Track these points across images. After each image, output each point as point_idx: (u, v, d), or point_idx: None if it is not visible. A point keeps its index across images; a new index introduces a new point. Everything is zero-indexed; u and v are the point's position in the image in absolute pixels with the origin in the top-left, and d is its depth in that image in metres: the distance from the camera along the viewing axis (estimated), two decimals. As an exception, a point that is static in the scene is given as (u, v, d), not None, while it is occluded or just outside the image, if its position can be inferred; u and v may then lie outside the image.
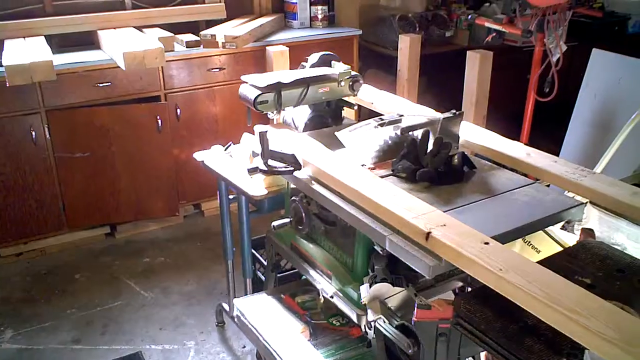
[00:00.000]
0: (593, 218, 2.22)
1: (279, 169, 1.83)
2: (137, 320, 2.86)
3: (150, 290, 3.09)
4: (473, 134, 2.04)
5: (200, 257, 3.39)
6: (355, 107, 2.41)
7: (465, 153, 1.83)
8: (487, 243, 1.32)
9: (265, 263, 2.62)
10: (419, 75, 3.71)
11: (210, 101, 3.65)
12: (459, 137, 2.00)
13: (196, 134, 3.65)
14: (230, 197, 2.44)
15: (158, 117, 3.45)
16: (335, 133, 1.84)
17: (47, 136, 3.27)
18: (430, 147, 1.80)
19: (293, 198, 1.92)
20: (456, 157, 1.76)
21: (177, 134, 3.59)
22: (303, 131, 2.26)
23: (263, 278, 2.62)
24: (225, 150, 2.45)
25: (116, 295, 3.06)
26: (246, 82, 2.25)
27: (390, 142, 1.88)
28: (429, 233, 1.37)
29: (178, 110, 3.56)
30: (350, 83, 2.32)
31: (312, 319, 2.06)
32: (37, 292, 3.12)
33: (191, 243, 3.53)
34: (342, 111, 2.47)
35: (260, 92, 2.14)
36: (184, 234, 3.64)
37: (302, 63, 2.48)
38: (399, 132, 1.88)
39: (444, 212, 1.52)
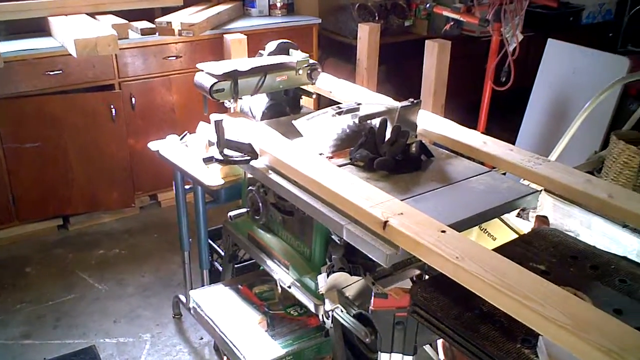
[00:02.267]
0: (547, 205, 2.26)
1: (235, 159, 1.79)
2: (91, 313, 2.78)
3: (104, 282, 3.01)
4: (431, 122, 2.04)
5: (157, 248, 3.32)
6: (314, 96, 2.38)
7: (423, 142, 1.83)
8: (443, 231, 1.32)
9: (223, 253, 2.59)
10: (378, 64, 3.71)
11: (167, 90, 3.57)
12: (416, 126, 2.00)
13: (152, 123, 3.57)
14: (187, 187, 2.38)
15: (112, 106, 3.36)
16: (293, 122, 1.81)
17: (-6, 126, 3.15)
18: (388, 135, 1.79)
19: (250, 188, 1.89)
20: (414, 145, 1.76)
21: (132, 123, 3.50)
22: (260, 120, 2.23)
23: (221, 269, 2.58)
24: (181, 139, 2.39)
25: (69, 288, 2.97)
26: (202, 70, 2.20)
27: (348, 130, 1.86)
28: (386, 222, 1.36)
29: (133, 99, 3.46)
30: (309, 71, 2.29)
31: (270, 310, 2.04)
32: (-15, 287, 3.01)
33: (147, 234, 3.46)
34: (301, 100, 2.44)
35: (216, 80, 2.10)
36: (140, 225, 3.57)
37: (260, 51, 2.44)
38: (357, 121, 1.87)
39: (402, 200, 1.51)
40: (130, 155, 3.53)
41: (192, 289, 2.50)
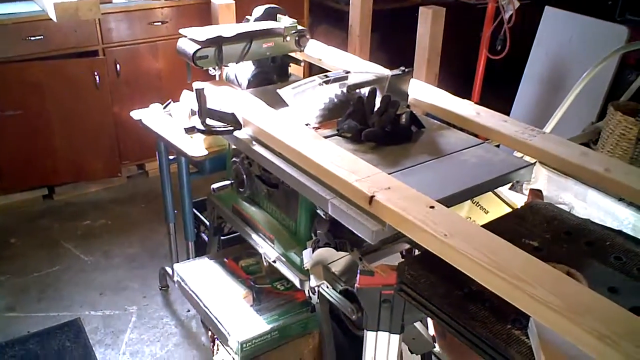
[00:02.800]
0: (542, 178, 2.21)
1: (218, 129, 1.72)
2: (77, 285, 2.74)
3: (90, 254, 2.96)
4: (422, 92, 1.97)
5: (144, 219, 3.26)
6: (302, 64, 2.30)
7: (414, 112, 1.76)
8: (432, 207, 1.26)
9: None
10: (371, 31, 3.61)
11: (153, 56, 3.47)
12: (408, 96, 1.93)
13: (138, 90, 3.47)
14: (171, 157, 2.32)
15: (95, 73, 3.26)
16: (278, 91, 1.74)
17: (-26, 93, 3.06)
18: (378, 106, 1.72)
19: (234, 159, 1.82)
20: (404, 116, 1.69)
21: (117, 90, 3.41)
22: (246, 88, 2.15)
23: (207, 240, 2.53)
24: (165, 108, 2.31)
25: (54, 260, 2.92)
26: (185, 36, 2.11)
27: (336, 100, 1.79)
28: (372, 197, 1.30)
29: (118, 66, 3.36)
30: (297, 38, 2.20)
31: (255, 283, 1.99)
32: (-32, 257, 2.96)
33: (134, 205, 3.40)
34: (289, 68, 2.36)
35: (199, 47, 2.01)
36: (127, 196, 3.50)
37: (247, 17, 2.34)
38: (345, 90, 1.79)
39: (390, 174, 1.45)
40: (116, 123, 3.45)
41: (177, 261, 2.45)
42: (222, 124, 1.74)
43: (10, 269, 2.86)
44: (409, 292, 1.31)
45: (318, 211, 1.53)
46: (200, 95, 1.71)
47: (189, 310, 2.56)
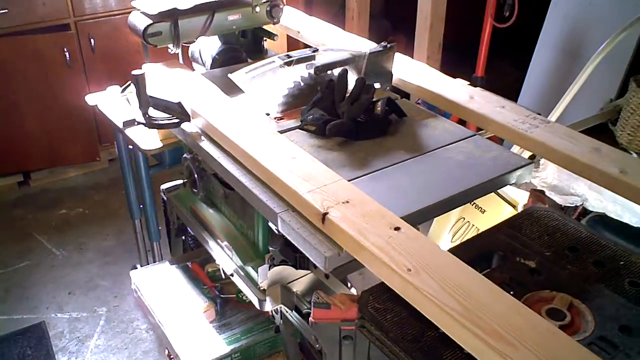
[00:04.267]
0: (551, 165, 1.92)
1: (161, 122, 1.46)
2: (45, 283, 2.54)
3: (63, 247, 2.76)
4: (410, 71, 1.68)
5: (123, 206, 3.03)
6: (276, 38, 2.01)
7: (392, 97, 1.48)
8: (397, 228, 1.00)
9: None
10: (370, -2, 3.30)
11: (129, 30, 3.19)
12: (392, 76, 1.65)
13: (116, 67, 3.20)
14: (131, 147, 2.06)
15: (66, 50, 3.00)
16: (229, 75, 1.47)
17: None
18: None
19: (185, 156, 1.57)
20: (379, 103, 1.42)
21: (93, 68, 3.15)
22: (211, 68, 1.88)
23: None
24: (123, 92, 2.06)
25: (24, 254, 2.72)
26: (137, 9, 1.85)
27: (302, 84, 1.51)
28: (325, 214, 1.04)
29: (92, 41, 3.10)
30: (268, 8, 1.92)
31: (221, 293, 1.76)
32: None
33: (115, 191, 3.17)
34: (264, 43, 2.08)
35: (151, 22, 1.74)
36: (108, 181, 3.28)
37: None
38: (312, 72, 1.52)
39: (355, 179, 1.19)
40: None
41: (147, 263, 2.23)
42: (167, 115, 1.48)
43: (-24, 265, 2.67)
44: (372, 331, 1.07)
45: (270, 225, 1.27)
46: (138, 82, 1.45)
47: (161, 312, 2.35)
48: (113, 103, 2.01)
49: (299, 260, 1.31)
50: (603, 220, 1.83)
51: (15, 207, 3.07)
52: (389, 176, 1.23)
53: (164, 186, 1.57)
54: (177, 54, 1.93)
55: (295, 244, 1.11)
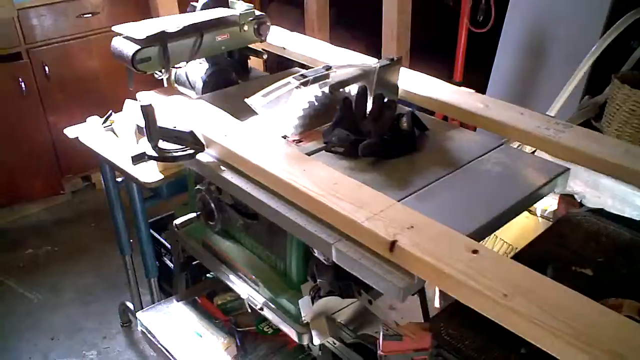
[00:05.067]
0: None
1: (175, 154, 1.37)
2: (23, 331, 2.36)
3: (36, 290, 2.58)
4: (413, 82, 1.65)
5: (95, 240, 2.88)
6: (265, 56, 1.95)
7: (414, 112, 1.44)
8: (475, 251, 0.96)
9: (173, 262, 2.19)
10: (329, 6, 3.26)
11: (86, 55, 3.04)
12: (398, 89, 1.62)
13: (74, 95, 3.05)
14: (119, 179, 1.95)
15: (21, 80, 2.81)
16: (246, 100, 1.39)
17: None
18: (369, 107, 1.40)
19: (198, 187, 1.48)
20: (404, 118, 1.38)
21: (49, 97, 2.97)
22: (202, 93, 1.79)
23: (172, 265, 2.19)
24: (105, 122, 1.94)
25: (-6, 301, 2.53)
26: (120, 34, 1.74)
27: (317, 104, 1.46)
28: (393, 242, 0.99)
29: (46, 69, 2.92)
30: (256, 26, 1.85)
31: (238, 326, 1.68)
32: None
33: (83, 225, 3.00)
34: (248, 61, 2.01)
35: (139, 47, 1.64)
36: (74, 214, 3.10)
37: (192, 3, 1.97)
38: (326, 91, 1.46)
39: (401, 201, 1.14)
40: (52, 134, 3.02)
41: (139, 298, 2.11)
42: (179, 146, 1.39)
43: (-57, 318, 2.46)
44: (450, 359, 1.02)
45: (316, 255, 1.21)
46: (147, 113, 1.35)
47: (158, 350, 2.23)
48: (95, 135, 1.88)
49: (343, 289, 1.25)
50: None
51: (-25, 251, 2.86)
52: (434, 195, 1.19)
53: (177, 221, 1.47)
54: (162, 79, 1.85)
55: (358, 276, 1.05)
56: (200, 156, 1.38)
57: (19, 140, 2.94)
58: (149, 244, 1.89)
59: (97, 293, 2.53)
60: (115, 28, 1.76)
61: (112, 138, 1.86)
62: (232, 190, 1.32)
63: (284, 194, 1.20)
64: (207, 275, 2.15)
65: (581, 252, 1.19)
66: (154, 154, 1.37)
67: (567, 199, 1.44)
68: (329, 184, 1.15)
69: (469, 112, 1.50)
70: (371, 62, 1.61)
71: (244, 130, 1.39)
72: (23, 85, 2.82)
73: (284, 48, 2.01)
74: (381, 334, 1.06)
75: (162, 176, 1.63)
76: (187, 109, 1.53)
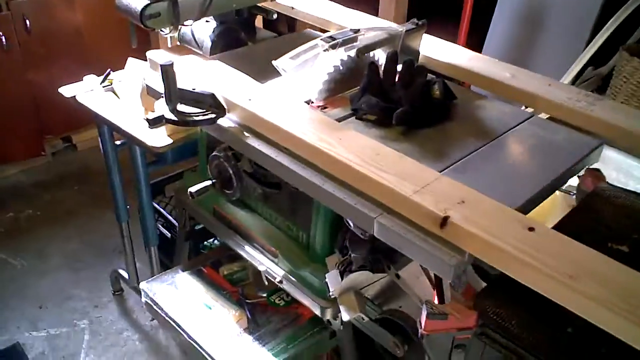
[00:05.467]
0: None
1: (196, 118, 1.29)
2: (8, 299, 2.26)
3: (20, 256, 2.47)
4: (434, 48, 1.59)
5: (79, 204, 2.77)
6: (275, 16, 1.85)
7: (445, 80, 1.39)
8: (531, 229, 0.92)
9: (170, 217, 2.12)
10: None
11: (69, 8, 2.88)
12: (419, 54, 1.56)
13: (56, 50, 2.89)
14: (118, 142, 1.85)
15: (1, 33, 2.65)
16: (273, 62, 1.32)
17: None
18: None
19: (215, 153, 1.40)
20: (436, 86, 1.32)
21: (29, 52, 2.81)
22: (211, 53, 1.70)
23: (167, 234, 2.12)
24: (103, 81, 1.83)
25: (-25, 267, 2.42)
26: (125, -13, 1.63)
27: (342, 68, 1.39)
28: (445, 218, 0.94)
29: (27, 22, 2.76)
30: (267, -18, 1.76)
31: (246, 298, 1.62)
32: None
33: (65, 187, 2.89)
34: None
35: (148, 2, 1.53)
36: (55, 177, 2.97)
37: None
38: (352, 54, 1.39)
39: (441, 172, 1.10)
40: (33, 91, 2.87)
41: (135, 268, 2.04)
42: (198, 110, 1.31)
43: None
44: (495, 338, 1.00)
45: (351, 227, 1.16)
46: (167, 73, 1.26)
47: (153, 319, 2.17)
48: (95, 95, 1.78)
49: (373, 264, 1.21)
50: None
51: (-49, 214, 2.72)
52: (473, 167, 1.15)
53: (192, 189, 1.39)
54: (166, 38, 1.75)
55: (405, 253, 1.01)
56: (221, 121, 1.30)
57: (-2, 98, 2.79)
58: (150, 210, 1.81)
59: (86, 259, 2.44)
60: (118, -19, 1.65)
61: (112, 98, 1.75)
62: (258, 158, 1.25)
63: (318, 164, 1.14)
64: (205, 243, 2.10)
65: (615, 228, 1.17)
66: (173, 117, 1.28)
67: (595, 173, 1.42)
68: (370, 154, 1.09)
69: (495, 81, 1.45)
70: (391, 25, 1.55)
71: (268, 94, 1.31)
72: (3, 39, 2.65)
73: (292, 8, 1.91)
74: (424, 312, 1.03)
75: (171, 140, 1.55)
76: (203, 70, 1.44)
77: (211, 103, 1.32)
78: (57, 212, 2.72)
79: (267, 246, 1.41)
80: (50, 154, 3.07)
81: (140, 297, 1.94)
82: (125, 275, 2.13)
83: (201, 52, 1.74)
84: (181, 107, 1.31)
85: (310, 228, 1.31)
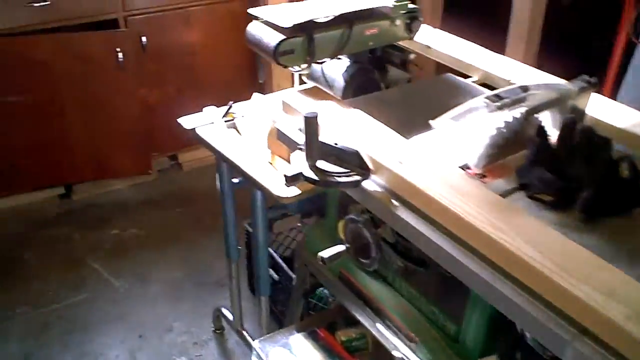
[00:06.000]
0: None
1: (338, 179, 1.14)
2: (109, 323, 2.21)
3: (122, 277, 2.43)
4: (600, 109, 1.37)
5: (182, 226, 2.71)
6: (412, 56, 1.68)
7: (631, 157, 1.17)
8: None
9: (278, 258, 2.00)
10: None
11: (185, 26, 2.84)
12: (584, 117, 1.34)
13: (169, 68, 2.87)
14: (235, 180, 1.75)
15: (118, 50, 2.63)
16: (431, 122, 1.15)
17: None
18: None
19: (352, 217, 1.25)
20: (624, 164, 1.11)
21: (143, 69, 2.79)
22: (344, 95, 1.56)
23: (274, 276, 1.99)
24: (225, 115, 1.72)
25: (78, 285, 2.40)
26: (258, 18, 1.52)
27: (506, 131, 1.20)
28: (675, 360, 0.74)
29: (143, 39, 2.74)
30: (407, 21, 1.60)
31: (366, 371, 1.46)
32: (-25, 279, 2.44)
33: (169, 208, 2.84)
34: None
35: (284, 37, 1.41)
36: (159, 195, 2.94)
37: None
38: (517, 116, 1.20)
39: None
40: (143, 109, 2.85)
41: (240, 314, 1.93)
42: (340, 169, 1.16)
43: (25, 297, 2.34)
44: None
45: (528, 340, 0.96)
46: (310, 126, 1.13)
47: (253, 363, 2.05)
48: (216, 130, 1.67)
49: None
50: None
51: (59, 225, 2.74)
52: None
53: (324, 254, 1.24)
54: (292, 75, 1.63)
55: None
56: (366, 184, 1.15)
57: (111, 114, 2.79)
58: (265, 258, 1.68)
59: (186, 289, 2.36)
60: (252, 10, 1.55)
61: (234, 135, 1.64)
62: (406, 232, 1.08)
63: (486, 254, 0.95)
64: (312, 298, 1.94)
65: None
66: (313, 176, 1.14)
67: None
68: (556, 253, 0.90)
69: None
70: (559, 82, 1.35)
71: (420, 157, 1.15)
72: (120, 56, 2.64)
73: (429, 47, 1.74)
74: None
75: (299, 191, 1.40)
76: (342, 119, 1.29)
77: (355, 162, 1.17)
78: (160, 234, 2.67)
79: (403, 328, 1.23)
80: (157, 170, 3.05)
81: (242, 339, 1.83)
82: (229, 315, 2.02)
83: (331, 92, 1.60)
84: (321, 164, 1.17)
85: (462, 319, 1.12)
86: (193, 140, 1.67)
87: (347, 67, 1.59)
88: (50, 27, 2.56)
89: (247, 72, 2.88)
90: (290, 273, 1.90)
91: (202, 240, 2.59)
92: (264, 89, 2.59)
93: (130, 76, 2.73)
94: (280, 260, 1.98)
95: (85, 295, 2.35)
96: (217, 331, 2.16)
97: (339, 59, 1.62)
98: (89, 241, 2.63)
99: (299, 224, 2.15)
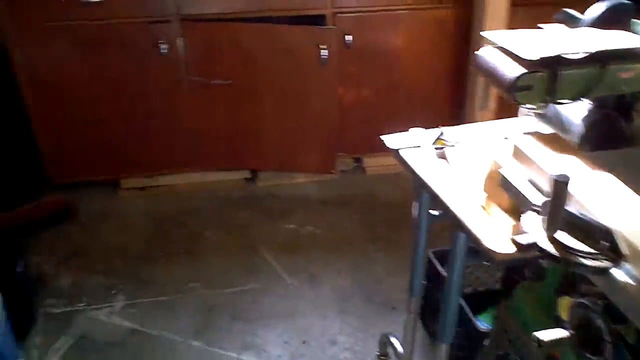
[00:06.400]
0: None
1: (582, 260, 0.96)
2: (277, 319, 2.21)
3: (293, 274, 2.43)
4: None
5: (357, 234, 2.66)
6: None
7: None
8: None
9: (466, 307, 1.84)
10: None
11: (392, 29, 2.75)
12: None
13: (368, 70, 2.81)
14: (434, 212, 1.61)
15: (322, 46, 2.61)
16: None
17: (181, 54, 2.59)
18: None
19: (584, 302, 1.06)
20: None
21: (343, 68, 2.76)
22: (580, 144, 1.35)
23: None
24: (435, 142, 1.59)
25: (250, 272, 2.44)
26: (493, 44, 1.36)
27: None
28: None
29: (348, 38, 2.69)
30: (672, 62, 1.34)
31: None
32: (158, 247, 2.59)
33: (347, 211, 2.80)
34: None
35: (525, 71, 1.24)
36: (339, 196, 2.91)
37: (565, 10, 1.53)
38: None
39: None
40: (338, 108, 2.82)
41: (412, 345, 1.81)
42: (584, 247, 0.98)
43: (200, 274, 2.43)
44: None
45: None
46: (560, 192, 0.96)
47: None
48: (422, 156, 1.55)
49: None
50: None
51: (241, 208, 2.83)
52: None
53: (542, 335, 1.08)
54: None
55: None
56: (615, 272, 0.96)
57: (305, 110, 2.82)
58: (456, 305, 1.54)
59: (354, 302, 2.29)
60: (485, 34, 1.39)
61: (443, 165, 1.51)
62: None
63: None
64: None
65: None
66: (552, 250, 0.98)
67: None
68: None
69: None
70: None
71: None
72: (324, 53, 2.62)
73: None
74: None
75: (515, 249, 1.24)
76: (585, 181, 1.10)
77: (604, 241, 0.98)
78: (334, 236, 2.63)
79: None
80: (339, 171, 3.02)
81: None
82: (398, 346, 1.91)
83: (565, 136, 1.40)
84: (561, 236, 1.00)
85: None
86: (379, 146, 1.57)
87: (589, 111, 1.38)
88: (259, 16, 2.61)
89: (447, 85, 2.74)
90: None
91: (373, 251, 2.52)
92: (465, 111, 2.42)
93: (330, 74, 2.71)
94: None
95: (255, 285, 2.38)
96: (381, 357, 2.06)
97: (580, 100, 1.41)
98: (266, 230, 2.68)
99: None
